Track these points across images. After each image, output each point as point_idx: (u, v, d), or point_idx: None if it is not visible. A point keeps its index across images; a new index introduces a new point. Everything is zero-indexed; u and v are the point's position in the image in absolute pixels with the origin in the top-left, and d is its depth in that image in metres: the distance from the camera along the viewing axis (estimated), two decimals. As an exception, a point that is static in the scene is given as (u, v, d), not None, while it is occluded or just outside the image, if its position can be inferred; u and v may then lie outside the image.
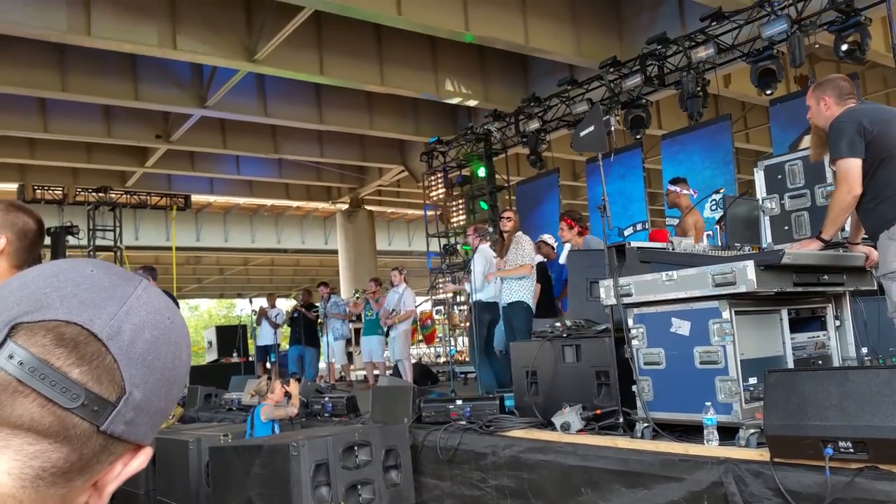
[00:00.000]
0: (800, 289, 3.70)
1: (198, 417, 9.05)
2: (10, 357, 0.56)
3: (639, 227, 10.83)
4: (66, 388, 0.56)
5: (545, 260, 8.57)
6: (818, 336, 4.05)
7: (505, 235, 7.68)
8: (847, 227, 4.00)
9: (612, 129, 10.65)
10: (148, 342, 0.62)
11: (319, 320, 12.69)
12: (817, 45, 9.12)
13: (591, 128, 4.77)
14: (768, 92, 9.45)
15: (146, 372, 0.61)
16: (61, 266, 0.64)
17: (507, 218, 7.78)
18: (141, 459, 0.64)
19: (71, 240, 15.43)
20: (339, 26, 12.14)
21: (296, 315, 12.83)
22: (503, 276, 7.48)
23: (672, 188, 7.26)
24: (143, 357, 0.61)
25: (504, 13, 11.33)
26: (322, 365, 13.95)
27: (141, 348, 0.61)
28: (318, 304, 12.98)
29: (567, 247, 7.71)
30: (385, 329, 11.24)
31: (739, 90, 12.70)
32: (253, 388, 7.36)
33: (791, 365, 3.77)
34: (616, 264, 4.25)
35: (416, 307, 11.74)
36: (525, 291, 7.47)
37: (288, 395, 6.93)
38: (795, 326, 3.97)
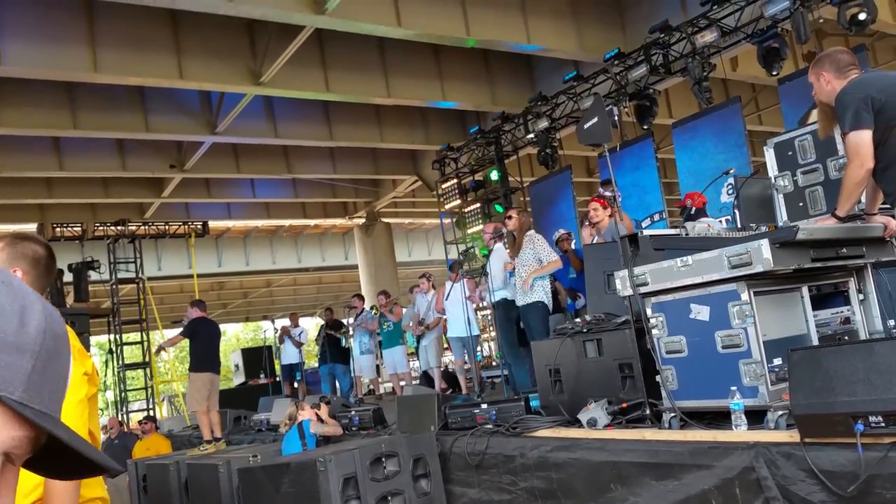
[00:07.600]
0: (818, 264, 3.61)
1: (229, 440, 9.08)
2: None
3: (656, 217, 10.72)
4: None
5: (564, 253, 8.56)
6: (842, 311, 3.95)
7: (515, 235, 7.63)
8: (863, 200, 3.91)
9: (616, 118, 10.58)
10: None
11: (350, 332, 12.52)
12: (822, 20, 8.99)
13: (595, 119, 4.72)
14: (774, 73, 9.35)
15: None
16: None
17: (509, 217, 7.75)
18: None
19: (93, 274, 15.59)
20: (341, 42, 12.18)
21: (324, 337, 12.81)
22: (538, 274, 7.32)
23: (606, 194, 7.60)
24: None
25: (504, 15, 11.29)
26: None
27: None
28: (343, 321, 12.96)
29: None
30: (414, 338, 11.15)
31: (748, 72, 12.56)
32: (286, 418, 7.36)
33: (816, 342, 3.68)
34: (630, 254, 4.18)
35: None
36: (542, 291, 7.39)
37: (319, 418, 6.93)
38: (818, 303, 3.88)
